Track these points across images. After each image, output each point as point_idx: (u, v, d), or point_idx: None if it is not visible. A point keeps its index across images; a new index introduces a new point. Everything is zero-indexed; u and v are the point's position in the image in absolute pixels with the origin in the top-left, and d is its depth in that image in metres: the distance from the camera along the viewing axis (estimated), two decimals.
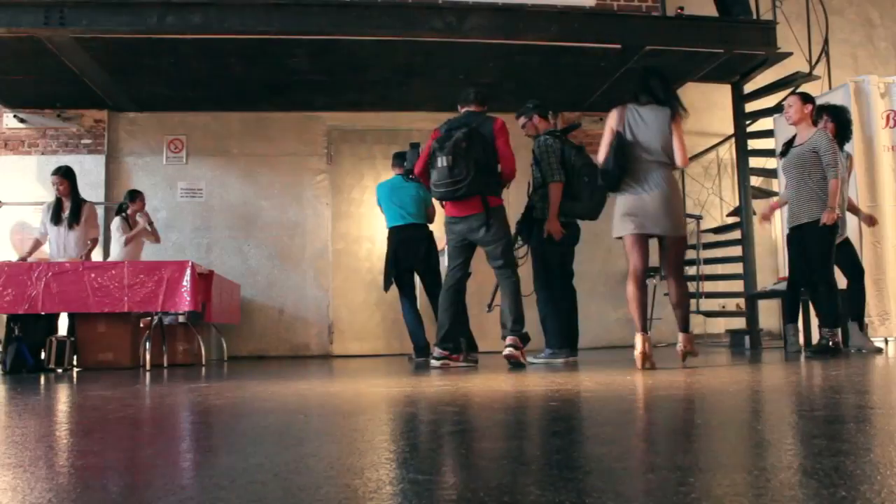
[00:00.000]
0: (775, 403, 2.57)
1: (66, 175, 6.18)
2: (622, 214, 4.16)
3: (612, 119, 4.21)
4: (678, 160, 4.12)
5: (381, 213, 6.30)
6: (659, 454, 1.58)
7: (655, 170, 4.10)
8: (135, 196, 6.78)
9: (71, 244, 6.14)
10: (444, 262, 6.74)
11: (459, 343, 5.01)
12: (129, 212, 6.68)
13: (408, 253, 5.96)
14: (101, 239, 6.78)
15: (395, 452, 1.70)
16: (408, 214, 5.98)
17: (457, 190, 4.51)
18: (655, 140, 4.10)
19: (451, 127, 4.63)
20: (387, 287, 6.11)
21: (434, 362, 4.83)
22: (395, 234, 6.00)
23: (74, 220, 6.14)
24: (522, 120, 5.31)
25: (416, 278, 6.17)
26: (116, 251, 6.55)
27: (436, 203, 6.29)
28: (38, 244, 6.29)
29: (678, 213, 4.26)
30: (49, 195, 6.61)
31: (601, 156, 4.17)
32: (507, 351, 4.55)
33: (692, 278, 7.60)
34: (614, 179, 4.12)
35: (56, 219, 6.13)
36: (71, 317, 6.02)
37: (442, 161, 4.47)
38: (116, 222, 6.60)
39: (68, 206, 6.17)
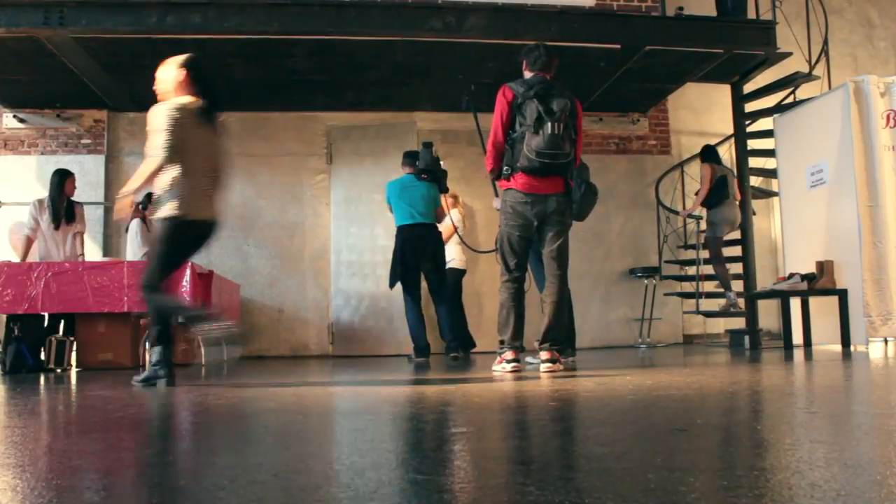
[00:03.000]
0: (775, 403, 2.57)
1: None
2: (727, 222, 7.00)
3: (709, 171, 6.98)
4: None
5: (387, 211, 6.31)
6: (659, 454, 1.58)
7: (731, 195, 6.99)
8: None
9: (61, 240, 6.19)
10: (449, 254, 6.73)
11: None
12: (146, 213, 6.63)
13: (416, 252, 5.98)
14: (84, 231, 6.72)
15: (395, 452, 1.70)
16: (418, 214, 6.00)
17: (564, 162, 4.11)
18: (731, 179, 7.07)
19: (540, 93, 4.17)
20: (392, 284, 6.13)
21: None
22: (405, 233, 6.01)
23: (72, 218, 6.22)
24: None
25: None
26: (136, 253, 6.44)
27: (443, 203, 6.30)
28: (30, 242, 6.22)
29: None
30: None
31: (703, 193, 6.97)
32: (548, 366, 4.05)
33: (692, 278, 7.60)
34: (716, 203, 6.96)
35: (57, 221, 6.13)
36: (70, 317, 6.01)
37: (553, 128, 4.05)
38: (135, 226, 6.54)
39: (64, 205, 6.18)
